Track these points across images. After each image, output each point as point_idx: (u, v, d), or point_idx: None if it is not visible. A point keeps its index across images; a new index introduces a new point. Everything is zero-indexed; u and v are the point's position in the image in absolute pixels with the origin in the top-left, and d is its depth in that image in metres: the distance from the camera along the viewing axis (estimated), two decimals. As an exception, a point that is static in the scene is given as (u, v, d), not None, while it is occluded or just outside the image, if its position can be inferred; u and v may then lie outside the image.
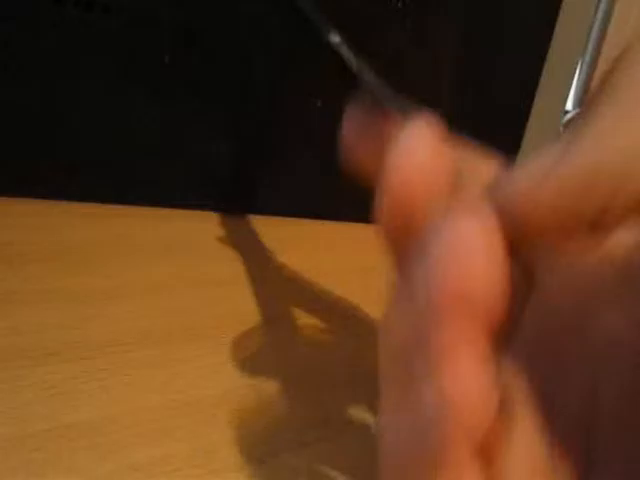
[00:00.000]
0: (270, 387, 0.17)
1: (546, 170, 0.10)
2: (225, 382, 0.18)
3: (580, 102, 0.97)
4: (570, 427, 0.11)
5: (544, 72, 0.39)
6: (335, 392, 0.17)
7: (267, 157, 0.31)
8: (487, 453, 0.10)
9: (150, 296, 0.20)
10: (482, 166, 0.14)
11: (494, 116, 0.36)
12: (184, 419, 0.16)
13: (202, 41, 0.27)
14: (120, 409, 0.16)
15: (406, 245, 0.10)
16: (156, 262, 0.22)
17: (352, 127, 0.15)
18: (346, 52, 0.18)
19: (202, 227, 0.26)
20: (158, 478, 0.14)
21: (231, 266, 0.23)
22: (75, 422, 0.15)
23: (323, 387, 0.15)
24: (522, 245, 0.10)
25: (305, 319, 0.19)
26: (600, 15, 0.94)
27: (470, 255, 0.09)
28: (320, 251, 0.28)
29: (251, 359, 0.18)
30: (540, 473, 0.11)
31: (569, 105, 0.87)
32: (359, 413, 0.17)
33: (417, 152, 0.11)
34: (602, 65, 0.97)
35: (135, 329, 0.19)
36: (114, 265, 0.21)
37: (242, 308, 0.21)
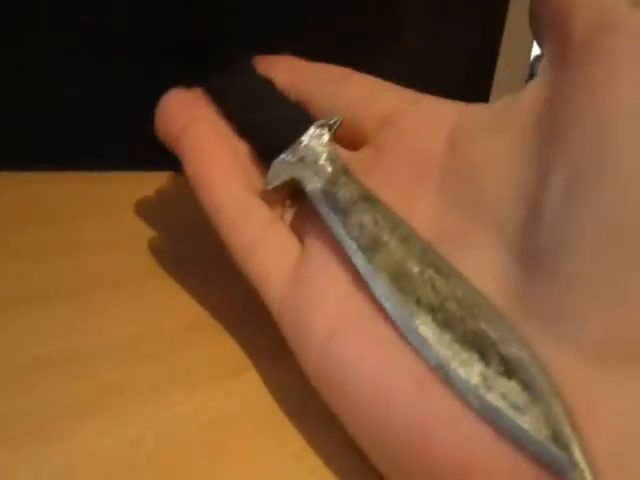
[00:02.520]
0: (238, 312, 0.19)
1: None
2: (194, 308, 0.19)
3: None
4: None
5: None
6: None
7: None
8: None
9: (114, 248, 0.21)
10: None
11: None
12: (158, 345, 0.17)
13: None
14: (93, 340, 0.17)
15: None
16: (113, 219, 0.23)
17: (169, 102, 0.18)
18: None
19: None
20: (134, 397, 0.15)
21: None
22: (50, 352, 0.16)
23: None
24: None
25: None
26: None
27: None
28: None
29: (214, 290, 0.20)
30: None
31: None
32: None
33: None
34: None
35: (102, 274, 0.20)
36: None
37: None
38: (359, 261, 0.14)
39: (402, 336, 0.13)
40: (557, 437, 0.11)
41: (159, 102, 0.18)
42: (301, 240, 0.17)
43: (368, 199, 0.15)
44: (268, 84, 0.19)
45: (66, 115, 0.26)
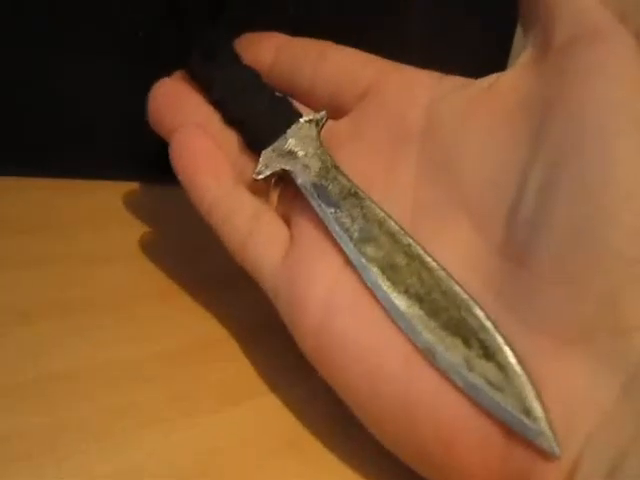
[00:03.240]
0: (241, 337, 0.19)
1: None
2: (196, 332, 0.19)
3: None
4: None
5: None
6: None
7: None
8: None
9: (134, 260, 0.21)
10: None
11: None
12: (158, 368, 0.17)
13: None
14: (94, 361, 0.17)
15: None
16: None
17: (160, 94, 0.19)
18: None
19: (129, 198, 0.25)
20: (134, 422, 0.15)
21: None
22: (53, 372, 0.16)
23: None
24: None
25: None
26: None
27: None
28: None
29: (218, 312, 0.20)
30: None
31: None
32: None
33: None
34: None
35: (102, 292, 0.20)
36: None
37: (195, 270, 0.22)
38: (351, 252, 0.15)
39: (392, 320, 0.14)
40: (527, 411, 0.12)
41: (150, 93, 0.19)
42: (288, 225, 0.18)
43: (357, 195, 0.16)
44: (253, 74, 0.19)
45: (62, 123, 0.25)
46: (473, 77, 0.17)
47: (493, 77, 0.16)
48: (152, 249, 0.22)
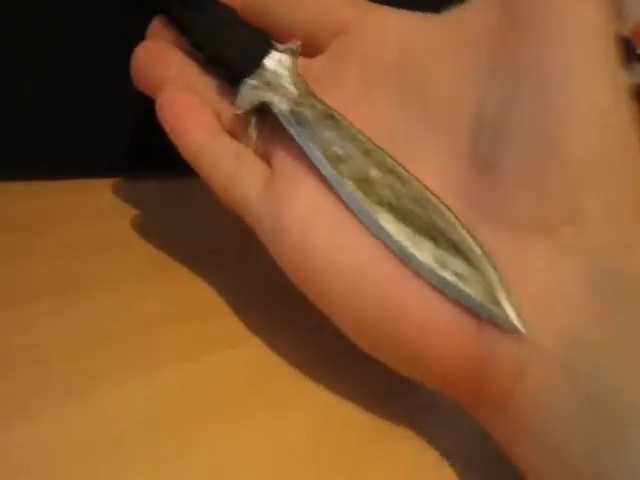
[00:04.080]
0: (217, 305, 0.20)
1: None
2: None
3: None
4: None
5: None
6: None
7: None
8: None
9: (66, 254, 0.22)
10: None
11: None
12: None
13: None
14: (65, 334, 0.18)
15: None
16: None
17: (141, 55, 0.20)
18: None
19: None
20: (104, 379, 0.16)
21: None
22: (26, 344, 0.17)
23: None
24: None
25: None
26: None
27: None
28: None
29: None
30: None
31: None
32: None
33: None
34: None
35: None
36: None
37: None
38: (327, 171, 0.16)
39: (368, 230, 0.15)
40: (494, 299, 0.14)
41: (133, 56, 0.20)
42: (269, 162, 0.18)
43: (332, 117, 0.17)
44: (229, 14, 0.20)
45: (47, 123, 0.26)
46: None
47: (458, 9, 0.17)
48: (133, 237, 0.23)
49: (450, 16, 0.17)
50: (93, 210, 0.25)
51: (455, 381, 0.15)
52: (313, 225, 0.16)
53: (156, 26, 0.21)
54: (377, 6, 0.19)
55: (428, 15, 0.18)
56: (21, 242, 0.22)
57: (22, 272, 0.20)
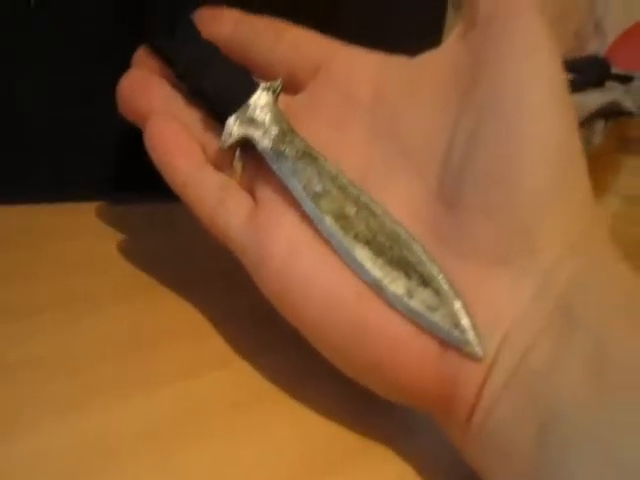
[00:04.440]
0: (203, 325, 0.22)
1: None
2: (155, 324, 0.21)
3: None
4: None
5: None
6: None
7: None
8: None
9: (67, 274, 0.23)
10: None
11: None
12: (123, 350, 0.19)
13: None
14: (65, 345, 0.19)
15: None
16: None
17: (127, 85, 0.21)
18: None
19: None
20: (104, 393, 0.17)
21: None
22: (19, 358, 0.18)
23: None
24: None
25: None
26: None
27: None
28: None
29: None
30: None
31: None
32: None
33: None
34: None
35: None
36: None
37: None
38: (308, 206, 0.18)
39: (345, 263, 0.17)
40: (458, 325, 0.15)
41: (118, 86, 0.21)
42: (252, 193, 0.20)
43: (310, 154, 0.18)
44: (213, 48, 0.21)
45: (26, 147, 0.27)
46: (411, 54, 0.20)
47: (430, 52, 0.19)
48: (125, 258, 0.25)
49: (421, 58, 0.19)
50: (92, 230, 0.26)
51: (426, 400, 0.16)
52: (294, 257, 0.17)
53: (141, 55, 0.22)
54: (352, 46, 0.21)
55: (399, 57, 0.20)
56: (22, 261, 0.23)
57: (23, 289, 0.21)
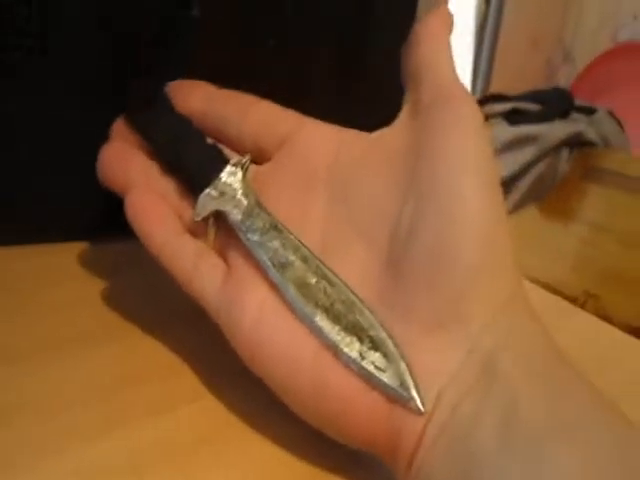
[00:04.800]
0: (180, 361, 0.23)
1: None
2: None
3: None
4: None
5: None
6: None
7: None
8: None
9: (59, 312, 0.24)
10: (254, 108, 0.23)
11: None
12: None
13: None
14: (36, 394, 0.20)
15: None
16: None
17: (106, 157, 0.23)
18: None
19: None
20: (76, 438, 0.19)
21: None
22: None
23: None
24: None
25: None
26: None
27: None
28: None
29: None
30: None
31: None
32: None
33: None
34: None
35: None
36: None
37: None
38: (273, 275, 0.20)
39: (306, 327, 0.19)
40: (403, 384, 0.17)
41: (98, 158, 0.22)
42: (224, 258, 0.21)
43: (276, 227, 0.20)
44: (186, 124, 0.22)
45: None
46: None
47: (381, 131, 0.21)
48: (86, 301, 0.26)
49: (376, 134, 0.21)
50: (61, 273, 0.27)
51: (376, 448, 0.18)
52: (261, 322, 0.19)
53: (119, 125, 0.23)
54: (313, 120, 0.23)
55: (354, 131, 0.22)
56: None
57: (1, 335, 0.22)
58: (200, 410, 0.21)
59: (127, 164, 0.23)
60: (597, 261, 0.75)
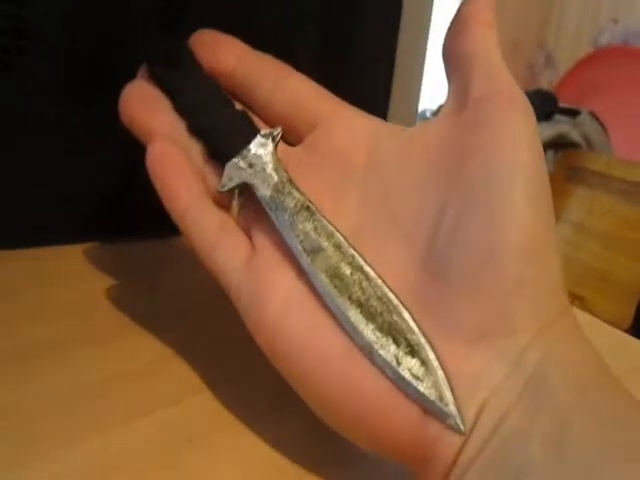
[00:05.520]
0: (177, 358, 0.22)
1: None
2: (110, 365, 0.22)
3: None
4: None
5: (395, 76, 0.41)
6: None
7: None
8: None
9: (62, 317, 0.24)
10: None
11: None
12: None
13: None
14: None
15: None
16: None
17: (131, 96, 0.21)
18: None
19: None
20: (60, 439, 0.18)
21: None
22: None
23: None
24: None
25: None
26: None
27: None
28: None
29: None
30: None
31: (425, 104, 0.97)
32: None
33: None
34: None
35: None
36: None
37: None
38: (303, 261, 0.18)
39: (337, 322, 0.17)
40: (441, 397, 0.16)
41: (122, 95, 0.20)
42: (249, 234, 0.20)
43: (309, 209, 0.19)
44: (215, 87, 0.20)
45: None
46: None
47: (423, 124, 0.19)
48: (66, 304, 0.25)
49: (414, 130, 0.19)
50: (47, 277, 0.27)
51: (403, 457, 0.17)
52: (287, 311, 0.18)
53: (145, 72, 0.21)
54: (349, 106, 0.21)
55: (393, 125, 0.20)
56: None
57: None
58: (191, 408, 0.20)
59: (153, 108, 0.21)
60: (580, 262, 0.75)
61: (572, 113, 0.83)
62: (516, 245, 0.16)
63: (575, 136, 0.82)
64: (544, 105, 0.83)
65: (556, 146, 0.81)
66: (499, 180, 0.16)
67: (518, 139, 0.17)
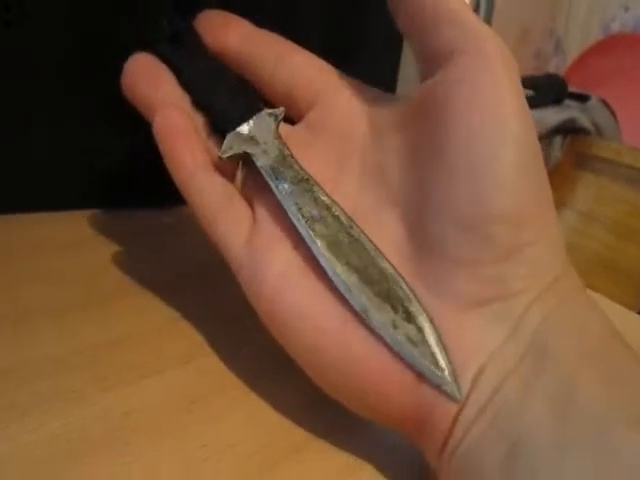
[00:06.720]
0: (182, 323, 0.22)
1: None
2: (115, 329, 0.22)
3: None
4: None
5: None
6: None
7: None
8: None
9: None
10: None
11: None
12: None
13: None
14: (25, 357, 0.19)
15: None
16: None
17: (135, 69, 0.21)
18: None
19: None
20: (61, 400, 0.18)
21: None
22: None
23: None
24: None
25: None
26: None
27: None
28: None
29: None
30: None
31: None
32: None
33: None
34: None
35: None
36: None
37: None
38: (302, 228, 0.18)
39: (334, 287, 0.17)
40: (436, 363, 0.16)
41: (125, 67, 0.21)
42: (250, 204, 0.20)
43: (308, 181, 0.19)
44: (219, 66, 0.21)
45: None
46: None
47: (417, 89, 0.18)
48: (77, 268, 0.25)
49: (407, 101, 0.19)
50: (53, 242, 0.27)
51: (401, 425, 0.17)
52: (285, 282, 0.18)
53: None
54: (350, 79, 0.21)
55: (390, 95, 0.20)
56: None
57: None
58: (192, 372, 0.20)
59: (157, 80, 0.21)
60: (588, 250, 0.74)
61: (582, 98, 0.82)
62: (503, 212, 0.16)
63: (584, 122, 0.81)
64: (553, 89, 0.82)
65: (565, 131, 0.80)
66: (483, 148, 0.16)
67: (501, 101, 0.16)
